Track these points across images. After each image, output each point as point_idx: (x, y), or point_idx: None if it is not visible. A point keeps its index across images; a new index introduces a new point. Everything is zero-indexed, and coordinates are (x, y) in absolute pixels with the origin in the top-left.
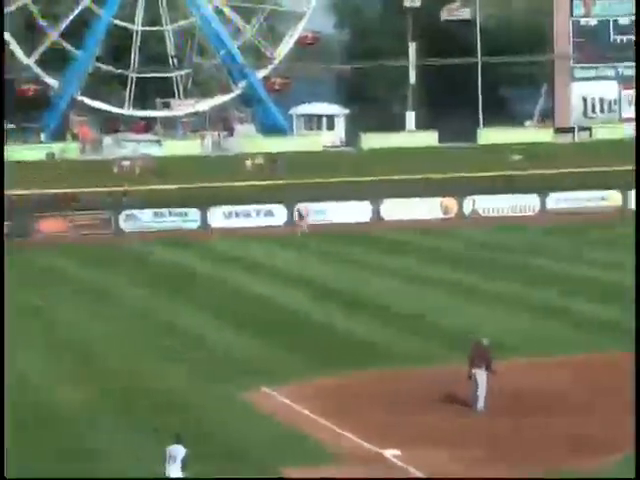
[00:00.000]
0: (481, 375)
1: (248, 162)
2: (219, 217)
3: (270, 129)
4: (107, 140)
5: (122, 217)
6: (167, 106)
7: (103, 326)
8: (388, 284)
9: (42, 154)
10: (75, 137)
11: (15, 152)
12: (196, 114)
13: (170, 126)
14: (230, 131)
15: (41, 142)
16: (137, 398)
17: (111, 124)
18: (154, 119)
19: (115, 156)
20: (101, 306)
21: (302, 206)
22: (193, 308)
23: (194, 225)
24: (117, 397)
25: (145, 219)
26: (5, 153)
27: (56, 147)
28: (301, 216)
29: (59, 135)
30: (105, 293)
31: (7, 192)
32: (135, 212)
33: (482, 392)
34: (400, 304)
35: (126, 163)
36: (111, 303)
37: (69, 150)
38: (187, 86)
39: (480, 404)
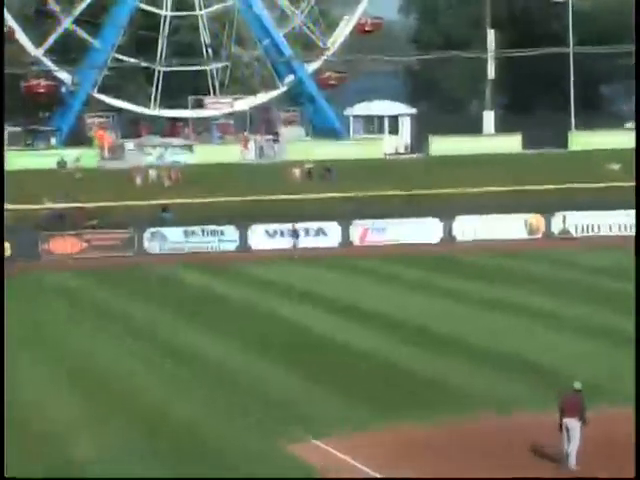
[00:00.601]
0: (574, 427)
1: (296, 171)
2: (261, 236)
3: (322, 132)
4: (129, 145)
5: (146, 236)
6: (200, 105)
7: (124, 360)
8: (459, 314)
9: (53, 162)
10: (92, 142)
11: (21, 159)
12: (234, 115)
13: (204, 129)
14: (275, 135)
15: (52, 148)
16: (162, 441)
17: (134, 127)
18: (185, 120)
19: (139, 164)
20: (119, 339)
21: (298, 225)
22: (226, 341)
23: (231, 246)
24: (141, 438)
25: (174, 238)
26: (6, 159)
27: (69, 154)
28: (296, 234)
29: (73, 140)
30: (124, 323)
31: (11, 206)
32: (162, 230)
33: (574, 447)
34: (474, 337)
35: (152, 173)
36: (132, 336)
37: (85, 157)
38: (224, 82)
39: (572, 461)
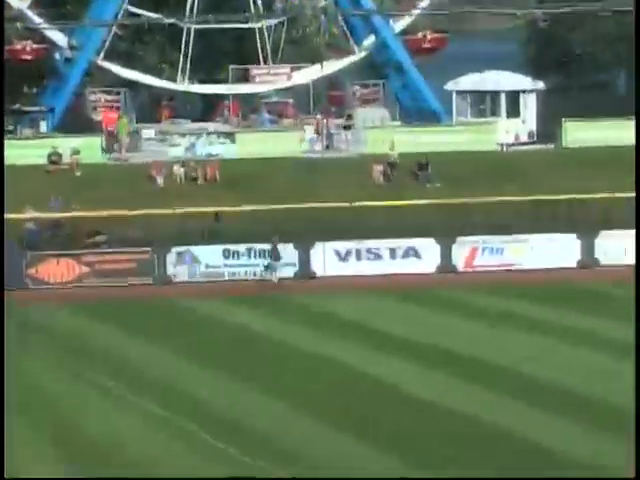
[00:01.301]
0: None
1: (377, 168)
2: (330, 259)
3: (414, 115)
4: (148, 133)
5: (171, 257)
6: (245, 77)
7: (134, 424)
8: (604, 371)
9: (42, 154)
10: (96, 128)
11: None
12: (292, 90)
13: (250, 110)
14: (348, 118)
15: (41, 135)
16: None
17: (154, 108)
18: (224, 98)
19: (161, 158)
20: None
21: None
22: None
23: (289, 271)
24: None
25: (209, 261)
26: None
27: (65, 144)
28: (277, 257)
29: (70, 124)
30: (139, 383)
31: None
32: (193, 250)
33: None
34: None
35: (179, 170)
36: (150, 400)
37: (86, 148)
38: (279, 45)
39: None
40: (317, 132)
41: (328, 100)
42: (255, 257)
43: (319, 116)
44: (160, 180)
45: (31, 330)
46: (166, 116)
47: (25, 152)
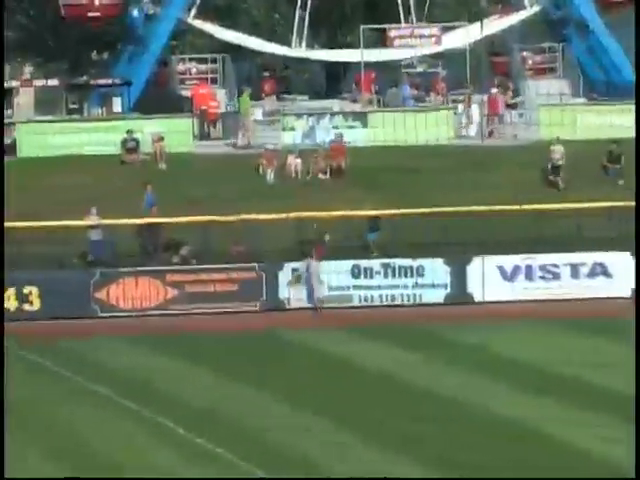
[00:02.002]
0: None
1: (556, 157)
2: (491, 278)
3: (602, 88)
4: (254, 113)
5: (284, 277)
6: (381, 41)
7: None
8: None
9: (115, 141)
10: (185, 106)
11: (59, 138)
12: (443, 57)
13: (388, 83)
14: (514, 94)
15: (114, 116)
16: None
17: (256, 81)
18: (353, 69)
19: (270, 147)
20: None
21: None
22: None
23: (438, 294)
24: None
25: (333, 281)
26: (31, 137)
27: (145, 127)
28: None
29: (152, 102)
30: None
31: (34, 224)
32: (316, 264)
33: None
34: None
35: (294, 160)
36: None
37: (172, 134)
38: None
39: None
40: (466, 113)
41: (488, 70)
42: (395, 275)
43: (469, 93)
44: (270, 175)
45: (94, 374)
46: (267, 91)
47: (94, 137)
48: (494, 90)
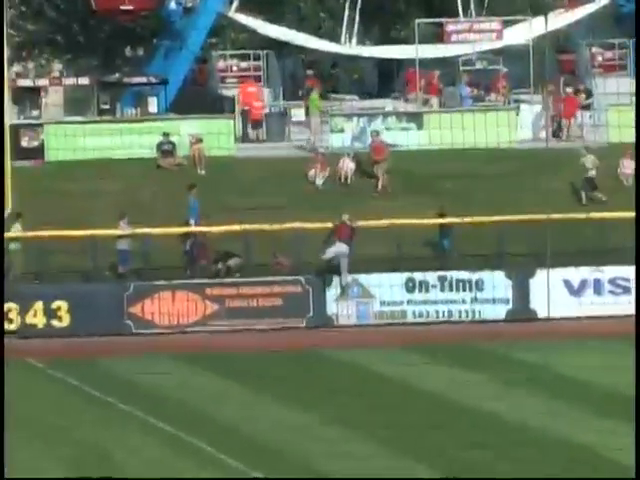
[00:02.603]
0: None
1: (588, 169)
2: (557, 292)
3: None
4: (298, 114)
5: (332, 291)
6: (438, 36)
7: None
8: None
9: (150, 144)
10: (226, 107)
11: (90, 139)
12: (503, 53)
13: (444, 82)
14: (586, 94)
15: (150, 117)
16: None
17: (308, 80)
18: (406, 66)
19: (318, 150)
20: None
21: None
22: None
23: (499, 309)
24: None
25: (386, 295)
26: (58, 139)
27: (183, 129)
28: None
29: (190, 102)
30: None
31: (59, 232)
32: (364, 280)
33: None
34: None
35: (345, 164)
36: None
37: (213, 135)
38: None
39: None
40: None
41: (555, 69)
42: (451, 289)
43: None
44: (319, 180)
45: (128, 396)
46: (325, 91)
47: (127, 140)
48: (569, 90)
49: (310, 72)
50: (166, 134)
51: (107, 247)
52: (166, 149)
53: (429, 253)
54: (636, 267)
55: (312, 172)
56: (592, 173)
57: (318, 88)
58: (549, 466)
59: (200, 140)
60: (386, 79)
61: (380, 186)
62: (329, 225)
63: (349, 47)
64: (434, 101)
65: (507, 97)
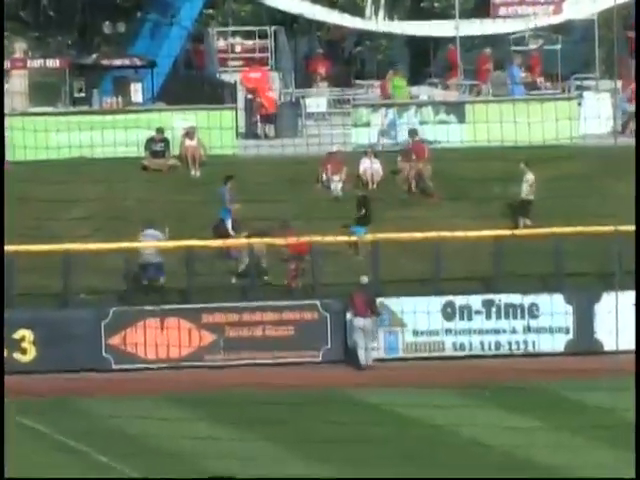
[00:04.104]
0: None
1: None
2: (627, 318)
3: None
4: (313, 104)
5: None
6: (483, 10)
7: None
8: None
9: (138, 140)
10: (226, 95)
11: (64, 135)
12: (563, 30)
13: (493, 66)
14: None
15: (134, 108)
16: None
17: (325, 61)
18: (445, 46)
19: (336, 146)
20: None
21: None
22: None
23: (557, 340)
24: None
25: (420, 323)
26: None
27: (174, 122)
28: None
29: (183, 90)
30: None
31: (24, 247)
32: (391, 304)
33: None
34: None
35: (369, 166)
36: None
37: (210, 130)
38: None
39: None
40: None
41: (625, 48)
42: (499, 317)
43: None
44: (338, 185)
45: (107, 447)
46: (322, 74)
47: (108, 136)
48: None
49: (325, 52)
50: (160, 130)
51: (82, 264)
52: (157, 149)
53: (472, 272)
54: (636, 288)
55: (324, 176)
56: (529, 196)
57: (402, 69)
58: None
59: (193, 134)
60: (420, 61)
61: (420, 191)
62: (352, 239)
63: (375, 22)
64: (483, 89)
65: (567, 83)
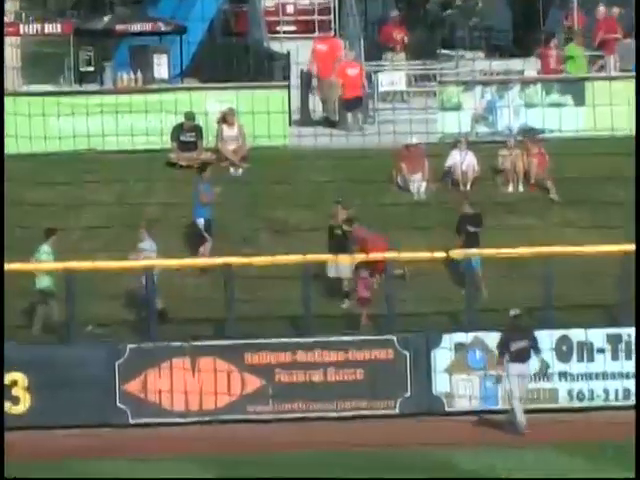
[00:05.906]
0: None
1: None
2: None
3: None
4: (389, 81)
5: (443, 355)
6: None
7: None
8: None
9: (161, 128)
10: (276, 72)
11: (62, 122)
12: None
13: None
14: None
15: (156, 88)
16: None
17: (401, 27)
18: (556, 7)
19: (417, 137)
20: None
21: None
22: None
23: None
24: None
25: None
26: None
27: (209, 104)
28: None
29: (220, 64)
30: None
31: (17, 266)
32: (488, 339)
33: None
34: None
35: (458, 162)
36: None
37: (260, 113)
38: None
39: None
40: None
41: None
42: (628, 357)
43: None
44: (421, 185)
45: None
46: (399, 43)
47: (124, 122)
48: None
49: (395, 14)
50: (190, 115)
51: (90, 287)
52: (187, 139)
53: (593, 299)
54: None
55: (400, 175)
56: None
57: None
58: None
59: (233, 120)
60: (527, 27)
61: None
62: (437, 255)
63: None
64: (609, 62)
65: None
